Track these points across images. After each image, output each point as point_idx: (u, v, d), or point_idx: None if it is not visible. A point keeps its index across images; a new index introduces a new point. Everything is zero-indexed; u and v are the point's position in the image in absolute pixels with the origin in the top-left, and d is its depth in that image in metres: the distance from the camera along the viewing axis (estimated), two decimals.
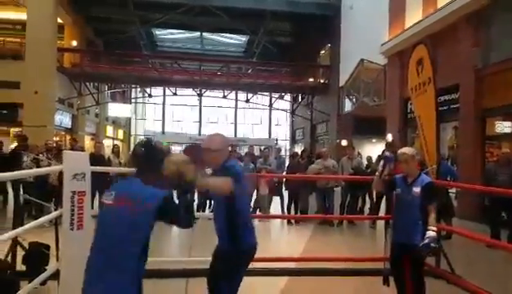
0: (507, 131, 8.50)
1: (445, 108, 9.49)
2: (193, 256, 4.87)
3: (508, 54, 7.88)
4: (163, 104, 30.31)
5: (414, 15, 11.06)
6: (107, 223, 1.78)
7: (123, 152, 11.29)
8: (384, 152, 6.18)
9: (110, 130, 24.26)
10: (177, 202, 1.84)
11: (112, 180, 7.62)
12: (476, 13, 8.65)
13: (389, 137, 11.74)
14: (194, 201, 1.94)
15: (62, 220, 3.09)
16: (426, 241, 2.82)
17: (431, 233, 2.84)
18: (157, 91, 26.89)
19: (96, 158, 6.54)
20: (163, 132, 29.77)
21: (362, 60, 15.33)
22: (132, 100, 27.37)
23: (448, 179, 6.07)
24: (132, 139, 27.48)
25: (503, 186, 4.89)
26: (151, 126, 30.55)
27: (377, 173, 3.23)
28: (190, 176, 1.86)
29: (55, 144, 8.68)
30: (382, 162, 3.22)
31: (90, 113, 20.34)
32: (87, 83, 19.02)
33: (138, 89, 26.17)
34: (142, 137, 28.88)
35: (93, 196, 6.66)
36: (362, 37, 14.94)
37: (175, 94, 22.67)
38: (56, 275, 3.13)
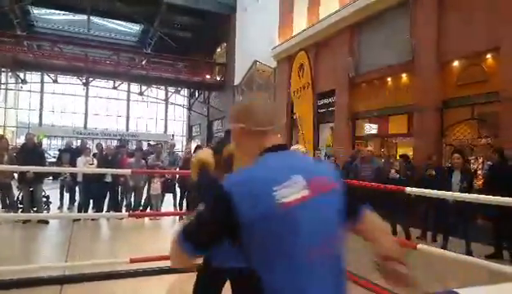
0: (372, 132, 10.01)
1: (324, 110, 10.66)
2: (70, 261, 4.48)
3: (371, 66, 9.30)
4: (42, 92, 26.53)
5: (300, 24, 12.05)
6: None
7: None
8: None
9: None
10: None
11: None
12: (350, 27, 9.87)
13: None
14: None
15: None
16: None
17: None
18: (34, 77, 23.45)
19: None
20: (40, 124, 26.10)
21: (256, 62, 16.06)
22: (2, 86, 23.21)
23: None
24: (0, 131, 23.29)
25: (366, 180, 5.69)
26: (25, 116, 26.48)
27: None
28: None
29: None
30: None
31: None
32: None
33: (9, 73, 22.32)
34: (13, 129, 24.85)
35: None
36: (256, 40, 15.67)
37: (55, 81, 20.15)
38: None
